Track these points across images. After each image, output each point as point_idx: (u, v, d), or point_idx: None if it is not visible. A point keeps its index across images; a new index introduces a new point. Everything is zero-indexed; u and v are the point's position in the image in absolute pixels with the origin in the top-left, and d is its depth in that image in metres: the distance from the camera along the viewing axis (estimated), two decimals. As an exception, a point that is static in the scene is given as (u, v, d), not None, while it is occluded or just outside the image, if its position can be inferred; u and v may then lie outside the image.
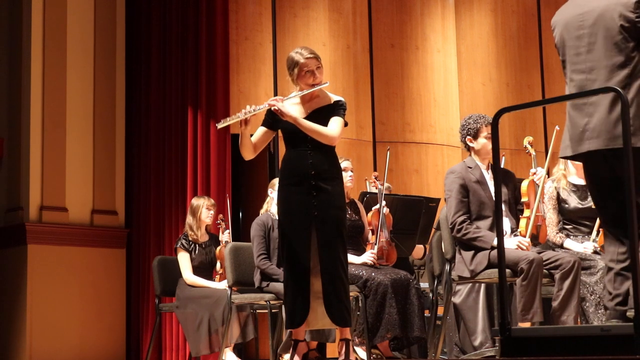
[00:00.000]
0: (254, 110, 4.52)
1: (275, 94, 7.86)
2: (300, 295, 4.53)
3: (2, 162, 7.81)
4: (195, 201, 6.56)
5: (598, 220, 5.17)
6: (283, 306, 5.32)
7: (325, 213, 4.52)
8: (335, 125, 4.56)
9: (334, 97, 4.71)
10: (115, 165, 8.02)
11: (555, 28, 3.94)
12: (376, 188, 5.65)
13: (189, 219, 6.49)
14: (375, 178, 5.75)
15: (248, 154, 4.66)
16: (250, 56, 7.89)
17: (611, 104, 3.66)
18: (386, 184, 6.04)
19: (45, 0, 7.69)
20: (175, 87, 7.73)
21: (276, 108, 4.49)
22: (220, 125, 4.66)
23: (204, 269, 6.38)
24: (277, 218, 5.74)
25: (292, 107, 4.60)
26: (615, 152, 3.65)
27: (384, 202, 5.52)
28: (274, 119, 4.64)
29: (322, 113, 4.61)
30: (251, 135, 4.69)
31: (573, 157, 3.86)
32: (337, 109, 4.63)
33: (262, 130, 4.68)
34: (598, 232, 5.16)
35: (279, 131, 4.76)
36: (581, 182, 5.29)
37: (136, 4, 8.25)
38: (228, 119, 4.62)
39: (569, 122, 3.82)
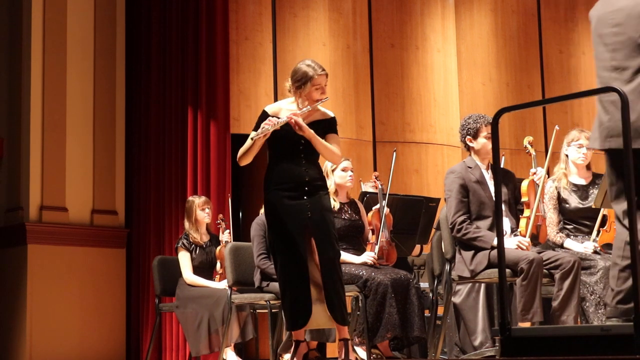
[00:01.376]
0: (277, 123, 4.58)
1: (275, 94, 7.86)
2: (302, 297, 4.56)
3: (2, 162, 7.81)
4: (187, 203, 6.56)
5: (598, 220, 5.17)
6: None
7: (318, 214, 4.59)
8: (337, 145, 4.71)
9: (329, 113, 4.80)
10: (115, 165, 8.02)
11: (591, 21, 3.93)
12: (376, 188, 5.66)
13: (186, 224, 6.48)
14: (376, 178, 5.75)
15: (247, 162, 4.74)
16: (250, 56, 7.89)
17: (631, 105, 3.63)
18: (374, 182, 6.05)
19: (45, 0, 7.69)
20: (175, 87, 7.73)
21: (294, 123, 4.54)
22: (255, 137, 4.62)
23: (204, 268, 6.37)
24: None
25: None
26: (635, 152, 3.61)
27: (384, 202, 5.52)
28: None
29: (319, 126, 4.68)
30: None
31: (601, 150, 3.85)
32: (334, 125, 4.76)
33: None
34: (598, 232, 5.16)
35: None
36: (582, 182, 5.29)
37: (136, 4, 8.25)
38: (260, 132, 4.61)
39: (597, 116, 3.81)
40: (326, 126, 4.72)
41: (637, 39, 3.67)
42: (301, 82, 4.64)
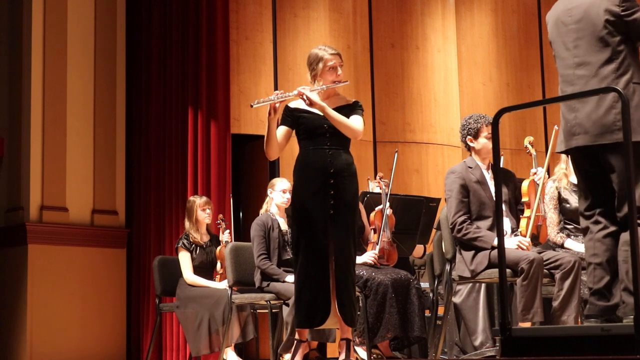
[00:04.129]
0: (285, 96, 4.54)
1: (276, 94, 7.86)
2: (321, 296, 4.49)
3: (2, 162, 7.81)
4: (188, 203, 6.55)
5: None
6: (288, 305, 5.30)
7: (340, 213, 4.53)
8: (358, 121, 4.62)
9: (351, 99, 4.77)
10: (116, 165, 8.02)
11: (548, 22, 3.97)
12: (380, 188, 5.66)
13: (187, 223, 6.47)
14: (380, 178, 5.75)
15: (273, 152, 4.65)
16: (250, 56, 7.89)
17: (598, 99, 3.68)
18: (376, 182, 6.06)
19: (45, 0, 7.69)
20: (175, 87, 7.73)
21: (305, 96, 4.51)
22: (255, 105, 4.60)
23: (205, 269, 6.37)
24: (276, 218, 5.77)
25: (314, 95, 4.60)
26: (604, 147, 3.68)
27: (387, 203, 5.53)
28: (293, 117, 4.65)
29: (342, 111, 4.63)
30: None
31: (565, 152, 3.90)
32: (356, 108, 4.69)
33: (283, 129, 4.67)
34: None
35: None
36: (582, 182, 5.29)
37: (136, 4, 8.25)
38: (262, 100, 4.60)
39: (561, 116, 3.87)
40: (348, 110, 4.66)
41: (598, 32, 3.69)
42: (314, 64, 4.64)
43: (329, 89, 4.64)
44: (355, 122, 4.59)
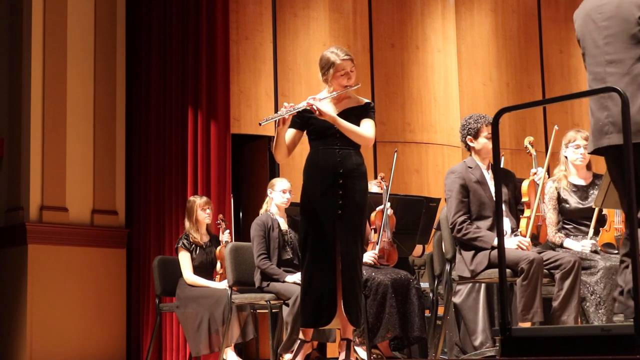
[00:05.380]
0: (293, 109, 4.53)
1: (275, 94, 7.86)
2: (328, 295, 4.48)
3: (2, 162, 7.81)
4: (188, 203, 6.55)
5: (594, 219, 5.15)
6: (288, 305, 5.30)
7: (348, 213, 4.53)
8: (370, 128, 4.61)
9: (364, 99, 4.75)
10: (116, 165, 8.02)
11: (576, 20, 3.91)
12: (382, 189, 5.66)
13: (187, 223, 6.47)
14: (381, 178, 5.76)
15: (282, 156, 4.66)
16: (250, 56, 7.89)
17: (631, 97, 3.62)
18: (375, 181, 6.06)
19: (45, 0, 7.69)
20: (175, 87, 7.73)
21: (315, 107, 4.48)
22: (263, 123, 4.62)
23: (205, 269, 6.37)
24: (276, 218, 5.77)
25: (325, 105, 4.60)
26: (636, 146, 3.59)
27: (388, 204, 5.53)
28: (302, 119, 4.64)
29: (353, 113, 4.62)
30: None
31: (595, 152, 3.82)
32: (368, 111, 4.67)
33: (291, 132, 4.66)
34: (596, 231, 5.15)
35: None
36: (582, 182, 5.29)
37: (136, 4, 8.24)
38: (270, 117, 4.62)
39: (591, 115, 3.80)
40: (360, 112, 4.65)
41: (631, 29, 3.66)
42: (325, 68, 4.61)
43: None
44: (367, 130, 4.59)
